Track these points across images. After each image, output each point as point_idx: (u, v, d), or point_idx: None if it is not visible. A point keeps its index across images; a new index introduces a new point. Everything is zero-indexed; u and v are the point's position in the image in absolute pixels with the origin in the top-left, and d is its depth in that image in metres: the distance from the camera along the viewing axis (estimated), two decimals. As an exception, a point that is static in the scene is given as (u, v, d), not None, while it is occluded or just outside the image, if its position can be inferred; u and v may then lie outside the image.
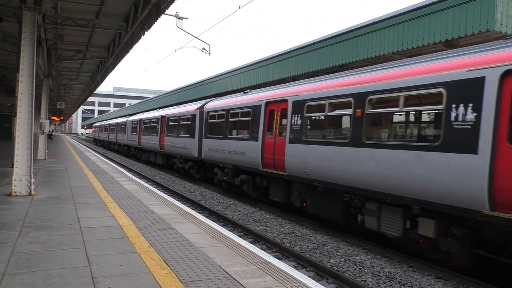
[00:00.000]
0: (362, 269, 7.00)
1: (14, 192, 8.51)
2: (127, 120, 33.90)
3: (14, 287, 3.70)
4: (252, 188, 12.71)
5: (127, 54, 16.66)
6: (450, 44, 10.38)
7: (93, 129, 70.06)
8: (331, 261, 7.43)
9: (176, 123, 20.12)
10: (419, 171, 6.64)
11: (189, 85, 30.49)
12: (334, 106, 9.03)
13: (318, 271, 6.87)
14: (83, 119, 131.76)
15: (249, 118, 12.52)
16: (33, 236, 5.43)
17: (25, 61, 8.55)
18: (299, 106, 10.05)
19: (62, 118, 56.56)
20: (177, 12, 20.04)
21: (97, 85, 28.77)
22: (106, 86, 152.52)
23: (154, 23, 12.13)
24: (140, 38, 13.88)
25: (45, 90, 19.72)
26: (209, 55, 22.25)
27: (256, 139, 11.88)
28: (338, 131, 9.38)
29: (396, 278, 6.60)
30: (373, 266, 7.12)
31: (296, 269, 5.84)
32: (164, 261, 4.64)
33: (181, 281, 4.02)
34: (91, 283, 3.86)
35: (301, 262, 7.34)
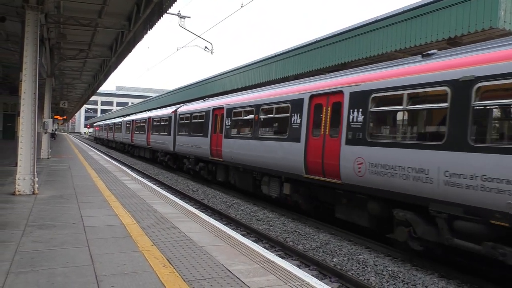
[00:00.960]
0: (365, 268, 6.99)
1: (18, 191, 8.53)
2: (122, 120, 38.76)
3: (18, 286, 3.71)
4: (207, 173, 16.59)
5: (130, 53, 16.71)
6: (453, 42, 10.31)
7: (95, 128, 71.93)
8: (334, 259, 7.43)
9: (158, 123, 23.92)
10: (280, 154, 10.62)
11: (192, 84, 30.46)
12: (247, 112, 12.90)
13: (321, 270, 6.87)
14: (86, 118, 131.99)
15: (203, 120, 16.48)
16: (37, 235, 5.45)
17: (28, 61, 8.56)
18: (229, 111, 14.04)
19: (65, 117, 56.73)
20: (179, 11, 20.03)
21: (99, 84, 28.80)
22: (109, 85, 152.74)
23: (157, 22, 12.12)
24: (143, 37, 13.87)
25: (48, 89, 19.77)
26: (212, 53, 22.26)
27: (207, 136, 15.81)
28: (248, 129, 12.94)
29: (400, 277, 6.58)
30: (377, 265, 7.11)
31: (299, 268, 5.82)
32: (167, 260, 4.64)
33: (184, 280, 4.03)
34: (94, 282, 3.87)
35: (304, 260, 7.34)
